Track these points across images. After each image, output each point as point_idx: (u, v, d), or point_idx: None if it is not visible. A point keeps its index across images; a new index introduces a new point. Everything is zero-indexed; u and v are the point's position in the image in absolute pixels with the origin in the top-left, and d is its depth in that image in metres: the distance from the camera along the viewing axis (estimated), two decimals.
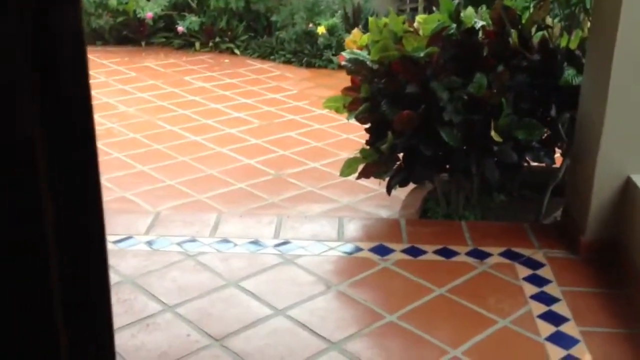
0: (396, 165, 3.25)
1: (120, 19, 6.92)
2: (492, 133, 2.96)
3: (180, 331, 2.44)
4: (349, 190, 3.81)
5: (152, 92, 5.62)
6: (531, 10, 3.28)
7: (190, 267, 2.85)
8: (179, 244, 3.02)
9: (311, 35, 6.41)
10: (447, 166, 3.23)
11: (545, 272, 2.84)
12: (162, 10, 6.88)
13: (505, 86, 3.04)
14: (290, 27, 6.61)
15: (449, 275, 2.81)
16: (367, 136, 3.33)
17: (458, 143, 3.03)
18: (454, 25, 3.25)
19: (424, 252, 2.98)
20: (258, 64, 6.46)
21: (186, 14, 6.93)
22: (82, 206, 0.92)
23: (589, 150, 2.91)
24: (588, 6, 3.17)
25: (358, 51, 3.35)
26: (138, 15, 6.82)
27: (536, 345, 2.40)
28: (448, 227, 3.24)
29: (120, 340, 2.34)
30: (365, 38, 3.40)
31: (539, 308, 2.60)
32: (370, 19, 3.37)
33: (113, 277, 2.71)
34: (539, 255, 2.96)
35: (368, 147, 3.29)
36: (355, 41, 3.48)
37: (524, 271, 2.84)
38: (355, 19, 6.48)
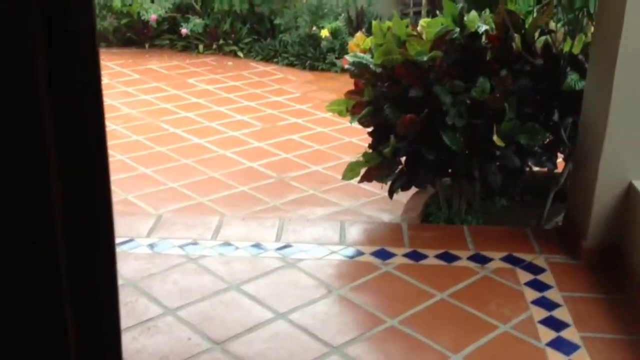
0: (398, 169, 3.25)
1: (124, 21, 6.93)
2: (495, 137, 2.96)
3: (181, 334, 2.44)
4: (351, 193, 3.81)
5: (156, 94, 5.63)
6: (534, 14, 3.28)
7: (191, 270, 2.85)
8: (180, 246, 3.02)
9: (314, 39, 6.42)
10: (450, 170, 3.23)
11: (546, 277, 2.83)
12: (166, 12, 6.90)
13: (508, 90, 3.04)
14: (293, 30, 6.62)
15: (451, 279, 2.81)
16: (369, 139, 3.33)
17: (461, 147, 3.03)
18: (458, 30, 3.25)
19: (426, 257, 2.98)
20: (261, 67, 6.47)
21: (190, 16, 6.94)
22: (91, 206, 0.93)
23: (591, 155, 2.91)
24: (591, 11, 3.17)
25: (361, 54, 3.35)
26: (142, 18, 6.84)
27: (537, 350, 2.40)
28: (450, 231, 3.24)
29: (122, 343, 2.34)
30: (368, 41, 3.40)
31: (540, 313, 2.59)
32: (373, 22, 3.37)
33: None
34: (540, 261, 2.96)
35: (370, 150, 3.30)
36: (359, 45, 3.48)
37: (525, 276, 2.84)
38: (359, 23, 6.48)
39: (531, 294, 2.72)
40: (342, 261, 2.96)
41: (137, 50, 6.94)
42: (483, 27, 3.32)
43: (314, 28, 6.44)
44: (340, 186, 3.86)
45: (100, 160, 0.94)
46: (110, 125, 4.87)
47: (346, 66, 3.39)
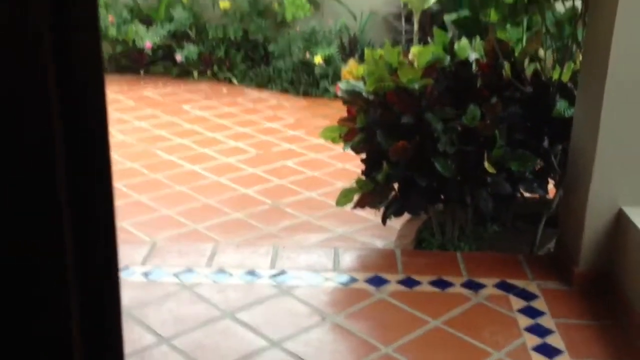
0: (391, 195, 3.28)
1: (119, 49, 6.99)
2: (486, 164, 2.99)
3: None
4: (345, 220, 3.83)
5: (150, 120, 5.66)
6: (524, 42, 3.33)
7: (186, 299, 2.86)
8: (175, 274, 3.03)
9: (308, 65, 6.48)
10: (442, 196, 3.25)
11: (539, 303, 2.85)
12: (161, 39, 6.95)
13: (499, 117, 3.08)
14: (287, 56, 6.68)
15: (444, 306, 2.82)
16: (362, 166, 3.36)
17: (452, 174, 3.06)
18: (448, 58, 3.30)
19: (419, 283, 2.99)
20: (256, 93, 6.51)
21: (185, 43, 6.99)
22: (94, 206, 0.94)
23: (581, 181, 2.94)
24: (580, 39, 3.22)
25: (354, 82, 3.39)
26: (137, 45, 6.89)
27: None
28: (443, 257, 3.25)
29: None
30: (361, 69, 3.44)
31: (533, 340, 2.61)
32: (366, 50, 3.41)
33: None
34: (532, 287, 2.97)
35: (364, 177, 3.32)
36: (352, 72, 3.52)
37: (518, 303, 2.85)
38: (352, 50, 6.55)
39: (524, 321, 2.73)
40: (336, 288, 2.98)
41: (132, 77, 6.98)
42: (473, 55, 3.37)
43: (308, 55, 6.50)
44: (334, 212, 3.88)
45: (102, 158, 0.95)
46: None
47: (339, 93, 3.43)
